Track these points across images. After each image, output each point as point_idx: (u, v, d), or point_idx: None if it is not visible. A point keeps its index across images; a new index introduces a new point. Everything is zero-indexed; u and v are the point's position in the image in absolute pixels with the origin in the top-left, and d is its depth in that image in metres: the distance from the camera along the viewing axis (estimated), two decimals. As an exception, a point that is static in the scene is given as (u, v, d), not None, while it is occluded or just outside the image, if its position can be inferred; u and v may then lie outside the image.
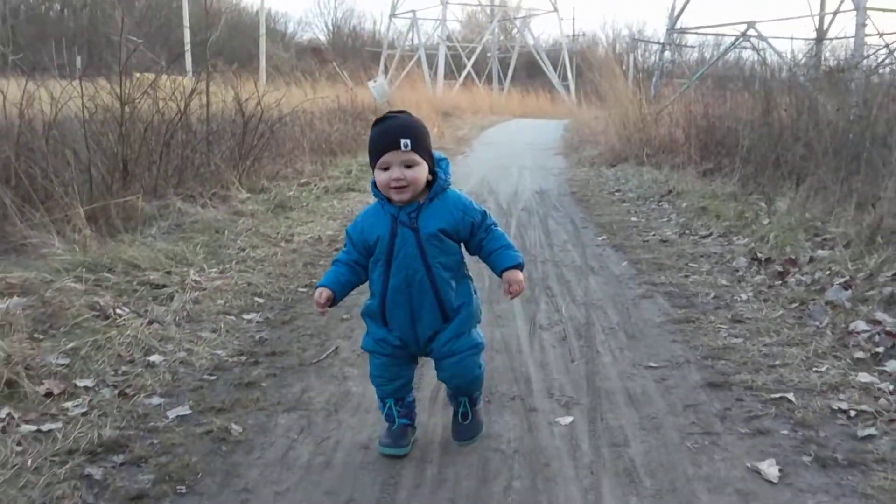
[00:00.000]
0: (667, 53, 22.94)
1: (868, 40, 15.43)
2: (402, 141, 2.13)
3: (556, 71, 33.12)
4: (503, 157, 12.33)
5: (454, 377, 2.31)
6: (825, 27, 19.36)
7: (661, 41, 22.33)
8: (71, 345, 3.00)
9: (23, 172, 4.83)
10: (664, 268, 4.70)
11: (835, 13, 19.41)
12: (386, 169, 2.16)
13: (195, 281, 4.05)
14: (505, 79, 35.45)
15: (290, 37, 43.49)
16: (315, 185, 7.94)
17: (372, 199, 2.31)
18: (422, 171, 2.17)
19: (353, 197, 7.64)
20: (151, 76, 6.70)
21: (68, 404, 2.58)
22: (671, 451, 2.32)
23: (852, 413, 2.54)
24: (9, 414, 2.44)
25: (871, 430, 2.41)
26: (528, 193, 8.17)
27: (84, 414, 2.52)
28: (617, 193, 8.11)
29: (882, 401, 2.62)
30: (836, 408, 2.59)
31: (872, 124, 6.07)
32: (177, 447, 2.33)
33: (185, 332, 3.36)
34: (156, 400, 2.67)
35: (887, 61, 8.21)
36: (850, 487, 2.10)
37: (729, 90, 10.13)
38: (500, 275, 2.27)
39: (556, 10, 35.22)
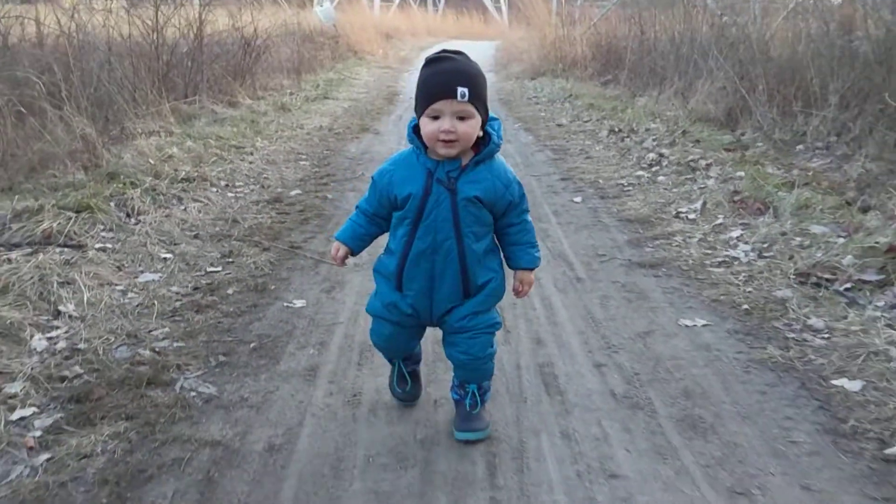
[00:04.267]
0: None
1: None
2: (460, 90, 1.97)
3: (488, -8, 35.43)
4: (443, 74, 15.05)
5: (464, 353, 2.20)
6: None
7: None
8: (220, 169, 5.72)
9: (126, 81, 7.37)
10: (555, 138, 7.65)
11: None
12: (435, 118, 2.00)
13: (260, 146, 6.79)
14: (439, 1, 37.61)
15: (216, -44, 44.35)
16: (296, 96, 10.55)
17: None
18: (475, 126, 2.03)
19: (331, 103, 10.32)
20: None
21: (240, 186, 5.34)
22: (536, 198, 5.24)
23: (626, 184, 5.53)
24: (212, 190, 5.19)
25: (630, 189, 5.40)
26: (466, 100, 10.97)
27: (253, 186, 5.29)
28: (533, 98, 11.02)
29: (642, 180, 5.60)
30: (602, 184, 5.57)
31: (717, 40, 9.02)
32: (302, 199, 5.13)
33: (273, 167, 6.12)
34: (280, 189, 5.46)
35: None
36: (610, 201, 5.07)
37: (626, 15, 13.02)
38: (514, 269, 2.23)
39: (487, -70, 37.29)
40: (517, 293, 2.25)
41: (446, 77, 2.01)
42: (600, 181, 5.67)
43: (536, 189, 5.48)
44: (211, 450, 2.18)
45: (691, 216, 4.56)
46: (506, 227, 2.19)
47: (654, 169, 5.88)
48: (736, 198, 4.67)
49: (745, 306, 3.20)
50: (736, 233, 4.13)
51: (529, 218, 2.23)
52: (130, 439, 2.22)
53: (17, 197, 4.23)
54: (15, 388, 2.47)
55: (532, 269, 2.24)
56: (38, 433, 2.25)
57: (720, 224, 4.32)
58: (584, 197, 5.24)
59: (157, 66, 8.39)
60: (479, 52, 21.06)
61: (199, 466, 2.11)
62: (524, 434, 2.27)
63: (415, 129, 2.11)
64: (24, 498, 1.95)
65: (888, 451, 2.14)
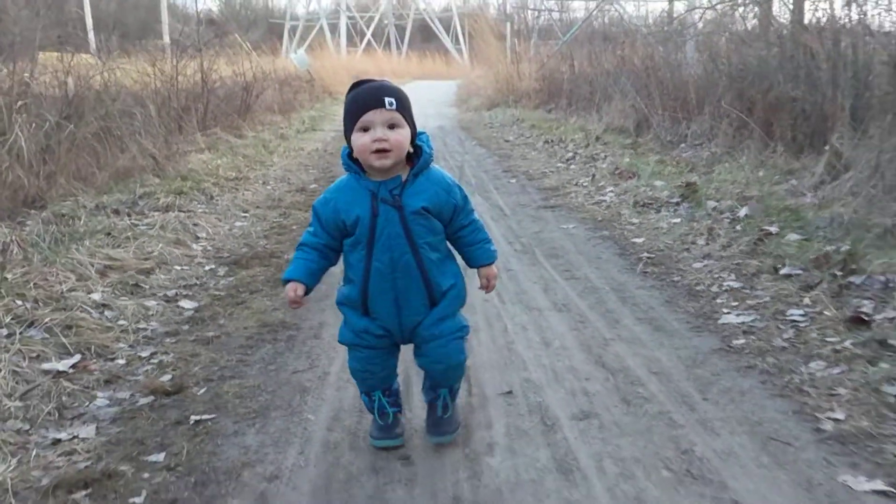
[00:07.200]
0: (554, 14, 28.51)
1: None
2: (387, 99, 2.10)
3: (448, 35, 38.60)
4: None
5: (436, 362, 2.34)
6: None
7: (538, 7, 27.96)
8: (255, 174, 8.12)
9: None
10: (502, 149, 10.21)
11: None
12: (366, 130, 2.11)
13: (276, 161, 9.23)
14: (402, 44, 40.68)
15: (181, 8, 47.23)
16: (289, 128, 13.02)
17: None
18: (406, 136, 2.14)
19: (319, 133, 12.84)
20: (54, 54, 11.21)
21: (273, 183, 7.76)
22: (484, 183, 7.71)
23: (547, 171, 8.04)
24: (256, 185, 7.60)
25: (550, 174, 7.91)
26: (432, 128, 13.53)
27: (282, 183, 7.71)
28: (488, 124, 13.65)
29: (559, 169, 8.12)
30: (532, 172, 8.09)
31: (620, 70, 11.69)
32: (320, 189, 7.48)
33: (291, 173, 8.54)
34: (302, 184, 7.87)
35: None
36: (534, 181, 7.56)
37: (562, 52, 15.76)
38: (476, 267, 2.36)
39: (445, -24, 40.59)
40: (485, 288, 2.41)
41: (371, 91, 2.15)
42: (530, 171, 8.19)
43: (485, 178, 7.98)
44: (313, 273, 4.59)
45: (585, 183, 7.07)
46: (458, 231, 2.30)
47: (569, 162, 8.42)
48: (616, 171, 7.19)
49: (599, 218, 5.71)
50: (609, 188, 6.65)
51: (477, 216, 2.36)
52: (272, 271, 4.62)
53: (138, 185, 6.63)
54: (198, 259, 4.87)
55: (492, 263, 2.37)
56: (222, 272, 4.64)
57: (601, 185, 6.84)
58: (518, 180, 7.75)
59: (176, 106, 10.83)
60: (442, 90, 23.83)
61: (310, 277, 4.51)
62: (468, 262, 4.70)
63: (349, 157, 2.21)
64: (229, 286, 4.33)
65: (641, 255, 4.62)
